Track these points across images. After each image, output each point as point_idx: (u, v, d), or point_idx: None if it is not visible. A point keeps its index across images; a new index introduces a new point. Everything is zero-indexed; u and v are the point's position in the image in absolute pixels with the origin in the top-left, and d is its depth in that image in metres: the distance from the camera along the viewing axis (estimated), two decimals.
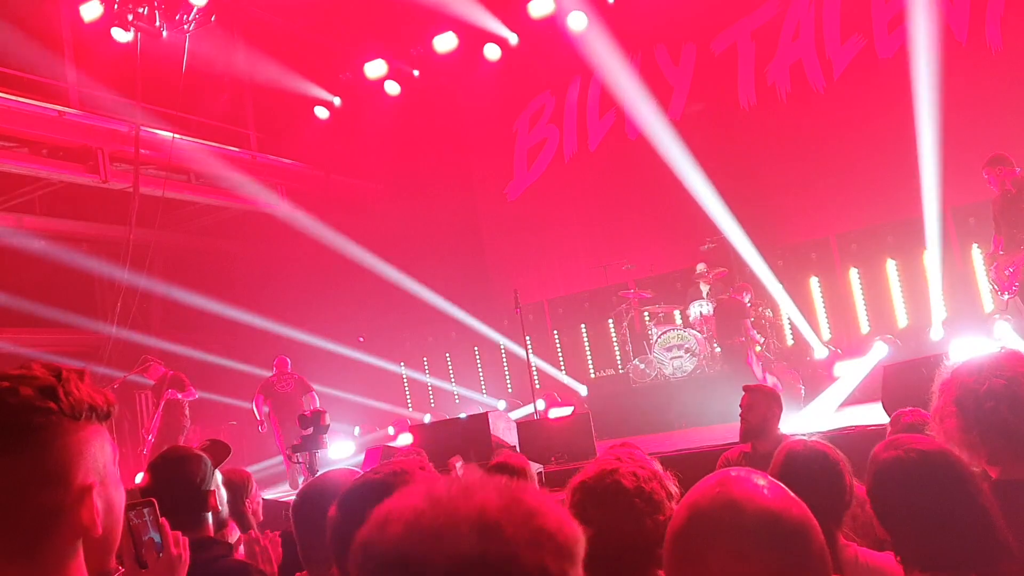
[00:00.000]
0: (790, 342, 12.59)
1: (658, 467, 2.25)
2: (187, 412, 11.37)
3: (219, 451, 3.23)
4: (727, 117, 13.44)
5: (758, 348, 11.89)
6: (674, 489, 2.20)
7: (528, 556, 0.86)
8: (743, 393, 5.28)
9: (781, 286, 12.18)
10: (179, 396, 11.41)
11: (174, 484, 2.78)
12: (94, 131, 12.27)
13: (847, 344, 11.78)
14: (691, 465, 5.73)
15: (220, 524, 3.11)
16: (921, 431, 2.66)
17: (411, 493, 0.92)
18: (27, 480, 1.17)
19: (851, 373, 10.09)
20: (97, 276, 14.21)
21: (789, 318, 12.37)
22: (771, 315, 12.08)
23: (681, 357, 11.73)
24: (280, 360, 12.24)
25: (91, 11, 11.85)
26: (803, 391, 10.21)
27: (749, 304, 11.35)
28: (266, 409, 11.89)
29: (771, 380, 9.90)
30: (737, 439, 5.37)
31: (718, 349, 11.51)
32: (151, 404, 11.99)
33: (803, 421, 8.54)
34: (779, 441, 5.16)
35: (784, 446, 2.90)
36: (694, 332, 11.73)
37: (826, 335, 12.45)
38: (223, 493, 3.04)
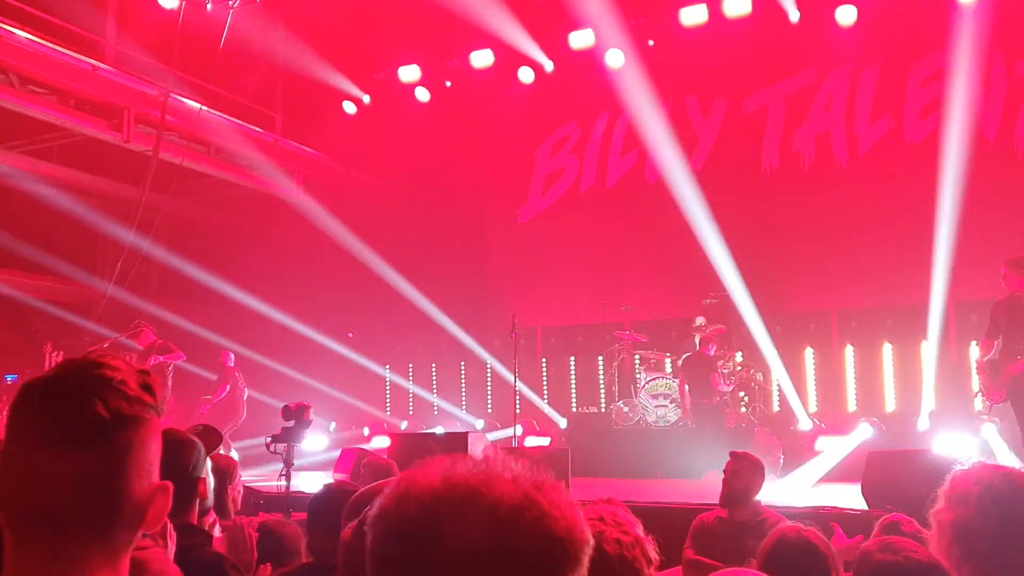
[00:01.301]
0: (776, 408, 12.60)
1: (640, 531, 2.23)
2: (169, 383, 11.36)
3: (211, 438, 3.22)
4: (748, 176, 13.51)
5: (743, 408, 11.93)
6: (654, 555, 2.19)
7: (534, 556, 0.89)
8: (730, 458, 5.27)
9: (776, 352, 12.20)
10: (160, 358, 11.43)
11: (166, 467, 2.77)
12: (124, 90, 12.31)
13: (832, 420, 11.79)
14: (667, 521, 5.72)
15: (203, 511, 3.11)
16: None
17: (431, 471, 0.95)
18: (132, 473, 1.19)
19: (833, 450, 10.10)
20: (102, 232, 14.18)
21: (779, 384, 12.39)
22: (761, 379, 12.09)
23: (666, 406, 11.74)
24: (226, 353, 13.00)
25: None
26: (782, 460, 10.21)
27: (713, 354, 11.25)
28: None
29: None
30: (713, 500, 5.37)
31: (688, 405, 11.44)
32: None
33: (780, 491, 8.54)
34: (756, 511, 5.19)
35: (777, 532, 2.90)
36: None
37: (813, 407, 12.47)
38: (211, 481, 3.04)
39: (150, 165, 12.56)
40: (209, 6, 12.24)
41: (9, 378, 13.24)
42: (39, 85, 11.58)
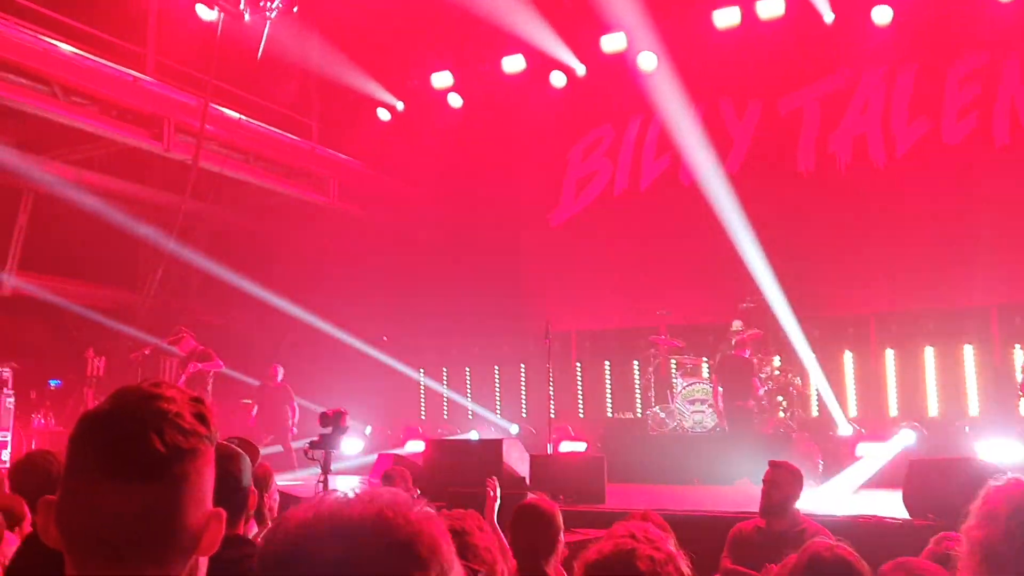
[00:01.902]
0: (815, 413, 12.49)
1: (672, 547, 2.24)
2: (209, 388, 11.53)
3: (250, 451, 3.28)
4: (783, 179, 13.40)
5: (781, 413, 11.84)
6: (687, 571, 2.20)
7: (380, 563, 0.98)
8: (769, 467, 5.25)
9: (814, 357, 12.08)
10: (200, 366, 11.61)
11: (219, 481, 2.82)
12: (165, 100, 12.53)
13: (873, 425, 11.66)
14: (703, 530, 5.73)
15: (247, 520, 3.17)
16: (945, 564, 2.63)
17: (305, 505, 1.05)
18: (188, 503, 1.22)
19: (874, 456, 9.98)
20: (143, 240, 14.43)
21: (817, 389, 12.27)
22: (799, 383, 11.99)
23: (703, 412, 11.68)
24: (274, 368, 13.28)
25: None
26: (821, 466, 10.13)
27: (748, 357, 11.13)
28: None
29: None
30: (749, 509, 5.36)
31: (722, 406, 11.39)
32: (176, 374, 12.16)
33: (819, 498, 8.47)
34: (795, 521, 5.16)
35: (809, 549, 2.86)
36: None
37: (852, 412, 12.33)
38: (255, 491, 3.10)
39: (190, 173, 12.77)
40: (247, 17, 12.41)
41: (52, 383, 13.51)
42: (82, 96, 11.82)
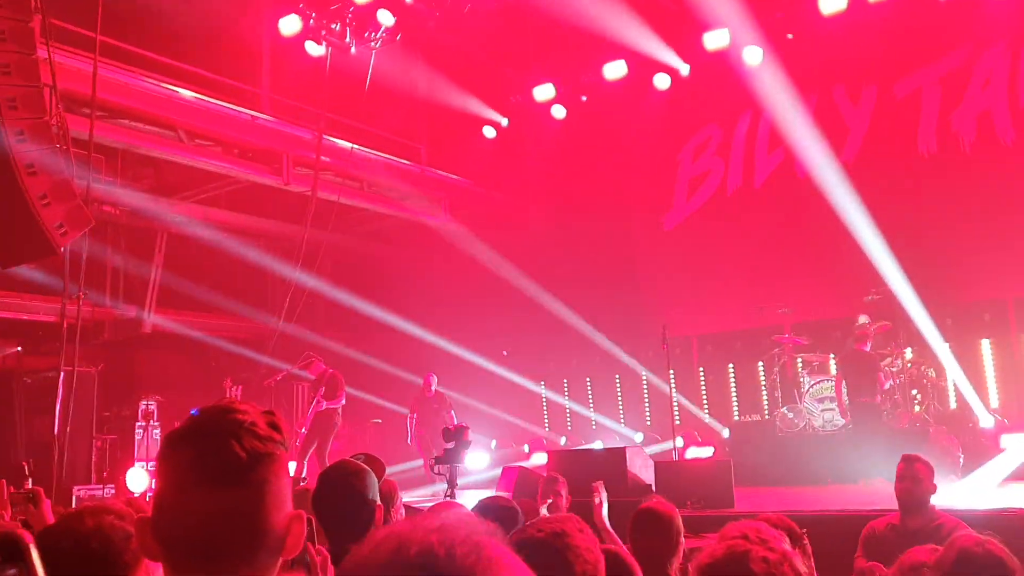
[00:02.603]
0: (953, 405, 11.90)
1: (787, 546, 2.20)
2: (340, 411, 11.87)
3: (376, 467, 3.41)
4: (904, 164, 12.88)
5: (916, 407, 11.33)
6: (804, 570, 2.16)
7: None
8: (901, 462, 5.07)
9: (947, 347, 11.53)
10: (324, 405, 11.69)
11: (346, 497, 2.95)
12: (281, 136, 13.14)
13: (1017, 415, 11.03)
14: (833, 529, 5.57)
15: None
16: None
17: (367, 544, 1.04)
18: (270, 504, 1.34)
19: (1018, 447, 9.45)
20: (270, 271, 15.10)
21: (954, 380, 11.69)
22: (934, 375, 11.45)
23: (833, 410, 11.31)
24: (428, 377, 13.21)
25: (289, 26, 12.73)
26: (962, 460, 9.64)
27: (870, 350, 10.63)
28: (414, 416, 13.12)
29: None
30: (883, 507, 5.18)
31: (847, 403, 10.96)
32: (307, 398, 12.63)
33: (961, 493, 8.09)
34: (932, 517, 4.97)
35: (958, 543, 2.77)
36: None
37: (994, 403, 11.69)
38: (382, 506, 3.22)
39: (309, 204, 13.30)
40: (353, 49, 12.89)
41: (194, 412, 14.23)
42: (205, 138, 12.52)
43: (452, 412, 12.91)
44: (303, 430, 11.71)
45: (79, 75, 9.92)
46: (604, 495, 5.13)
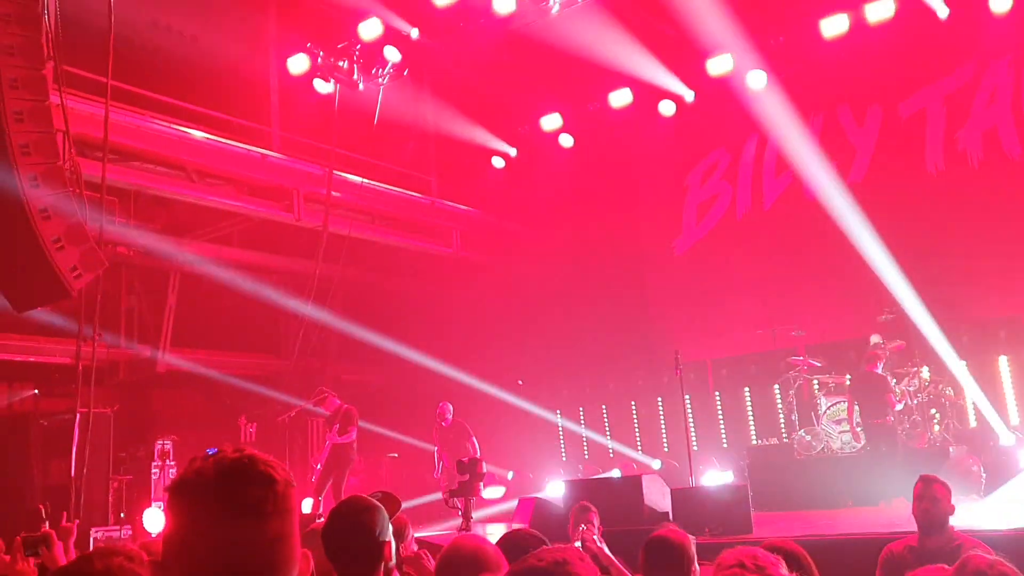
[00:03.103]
0: (972, 424, 11.79)
1: (784, 570, 2.20)
2: (354, 446, 11.83)
3: (391, 504, 3.40)
4: (912, 182, 12.87)
5: (936, 427, 11.22)
6: None
7: None
8: (919, 482, 5.02)
9: (964, 365, 11.44)
10: (339, 439, 11.61)
11: (355, 533, 2.95)
12: (292, 173, 13.26)
13: None
14: (853, 553, 5.52)
15: (387, 572, 3.28)
16: None
17: None
18: (286, 536, 1.41)
19: None
20: (283, 307, 15.15)
21: (972, 398, 11.58)
22: (952, 394, 11.35)
23: (850, 431, 11.21)
24: (441, 407, 12.81)
25: (297, 65, 12.91)
26: (983, 478, 9.53)
27: (881, 372, 10.53)
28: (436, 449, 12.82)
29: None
30: (898, 528, 5.13)
31: (859, 429, 10.87)
32: (322, 434, 12.62)
33: (983, 512, 7.99)
34: (951, 538, 4.91)
35: (970, 566, 2.75)
36: None
37: (1014, 420, 11.57)
38: (394, 543, 3.21)
39: (321, 239, 13.39)
40: (361, 86, 13.03)
41: (211, 452, 14.23)
42: (216, 177, 12.65)
43: (474, 439, 12.61)
44: (318, 466, 11.69)
45: (91, 119, 10.07)
46: (597, 521, 5.58)
